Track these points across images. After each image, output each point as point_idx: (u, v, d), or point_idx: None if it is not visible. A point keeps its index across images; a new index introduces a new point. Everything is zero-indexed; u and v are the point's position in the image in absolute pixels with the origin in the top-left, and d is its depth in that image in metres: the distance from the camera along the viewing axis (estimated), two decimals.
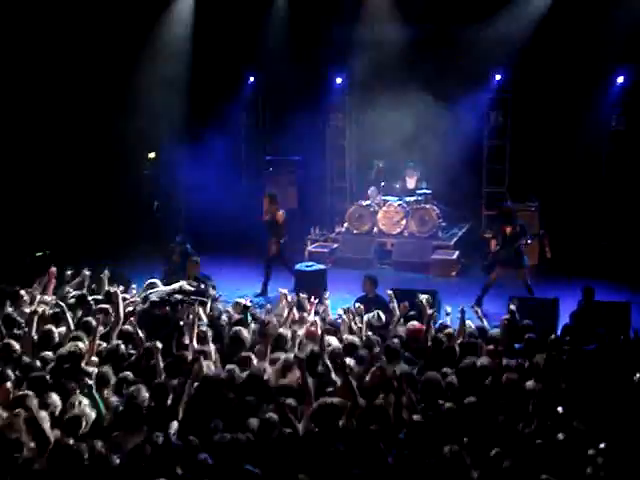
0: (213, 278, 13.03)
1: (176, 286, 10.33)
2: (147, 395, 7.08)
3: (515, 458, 6.17)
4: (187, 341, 8.58)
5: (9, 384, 7.30)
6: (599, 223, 16.77)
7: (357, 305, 10.59)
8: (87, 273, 11.23)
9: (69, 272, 11.41)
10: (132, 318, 9.11)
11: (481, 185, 18.17)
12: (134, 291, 11.14)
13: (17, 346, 8.38)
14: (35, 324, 8.78)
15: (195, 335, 8.57)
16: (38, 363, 7.93)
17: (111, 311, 9.42)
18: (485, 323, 10.10)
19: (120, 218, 16.88)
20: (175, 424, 6.80)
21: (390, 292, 10.56)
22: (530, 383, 7.63)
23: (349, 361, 7.93)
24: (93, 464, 6.02)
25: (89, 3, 15.79)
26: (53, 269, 11.10)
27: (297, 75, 17.35)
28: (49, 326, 8.85)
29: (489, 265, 13.76)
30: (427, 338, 9.05)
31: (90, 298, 10.11)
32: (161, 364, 7.86)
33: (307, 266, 14.14)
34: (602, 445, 6.32)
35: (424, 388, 7.45)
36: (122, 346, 8.44)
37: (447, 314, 9.95)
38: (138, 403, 6.95)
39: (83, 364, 7.78)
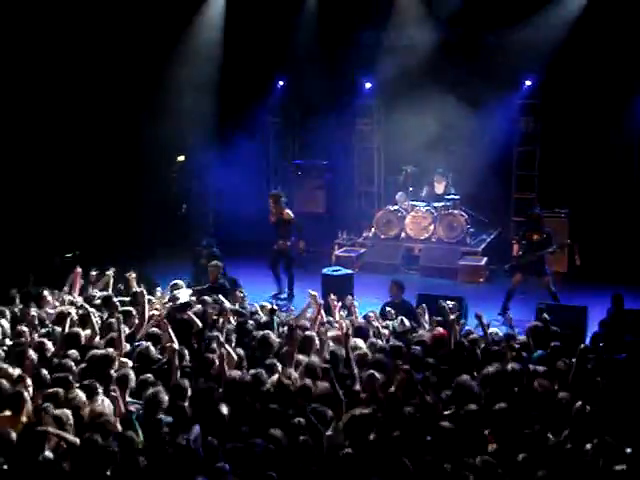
0: (241, 282, 13.06)
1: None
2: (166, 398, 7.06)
3: (546, 467, 6.10)
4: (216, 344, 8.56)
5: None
6: (630, 230, 16.54)
7: (387, 309, 10.57)
8: (110, 273, 11.31)
9: (94, 273, 11.47)
10: (164, 320, 9.05)
11: (510, 191, 18.02)
12: (159, 293, 11.17)
13: (50, 345, 8.49)
14: (64, 324, 8.88)
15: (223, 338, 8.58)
16: (69, 362, 7.98)
17: (135, 313, 9.48)
18: (514, 330, 10.02)
19: (148, 220, 16.94)
20: (197, 428, 6.71)
21: (422, 306, 10.51)
22: (563, 394, 7.53)
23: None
24: (121, 462, 6.05)
25: (121, 5, 15.88)
26: (78, 270, 11.17)
27: (326, 79, 17.36)
28: (76, 329, 8.92)
29: (510, 269, 13.66)
30: (450, 343, 8.99)
31: (116, 299, 10.16)
32: (176, 364, 7.86)
33: (334, 270, 14.08)
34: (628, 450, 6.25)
35: (455, 393, 7.40)
36: (152, 347, 8.48)
37: (477, 317, 9.76)
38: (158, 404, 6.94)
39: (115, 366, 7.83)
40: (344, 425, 6.68)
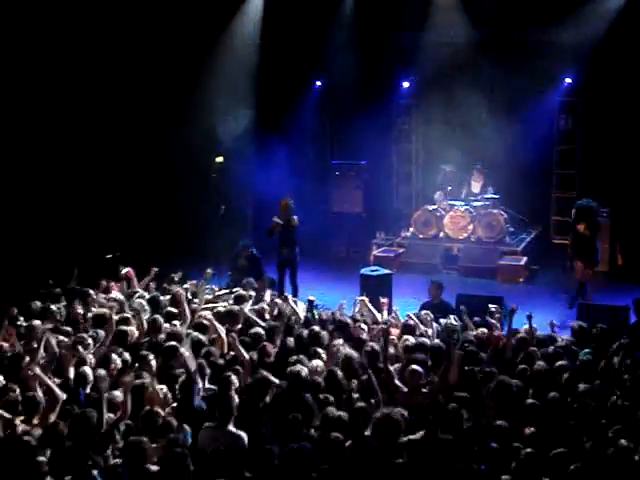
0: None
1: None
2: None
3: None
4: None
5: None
6: None
7: (424, 312, 10.59)
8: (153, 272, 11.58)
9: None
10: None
11: (550, 190, 17.87)
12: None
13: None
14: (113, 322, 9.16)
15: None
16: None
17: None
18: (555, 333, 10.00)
19: (187, 222, 17.04)
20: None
21: (463, 308, 10.54)
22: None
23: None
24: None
25: (158, 7, 16.02)
26: (130, 270, 11.40)
27: (364, 79, 17.36)
28: (127, 327, 9.15)
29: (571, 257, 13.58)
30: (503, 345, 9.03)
31: (162, 298, 10.40)
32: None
33: (372, 270, 14.08)
34: None
35: (495, 392, 7.40)
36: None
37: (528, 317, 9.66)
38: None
39: None
40: (374, 423, 6.66)
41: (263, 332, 9.10)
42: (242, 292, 10.93)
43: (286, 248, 13.98)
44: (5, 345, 8.88)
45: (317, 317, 9.98)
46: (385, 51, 17.41)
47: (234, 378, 7.49)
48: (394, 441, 6.47)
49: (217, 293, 11.50)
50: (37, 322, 9.22)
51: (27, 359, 7.97)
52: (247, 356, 8.28)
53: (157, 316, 9.47)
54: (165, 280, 11.77)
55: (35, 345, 8.42)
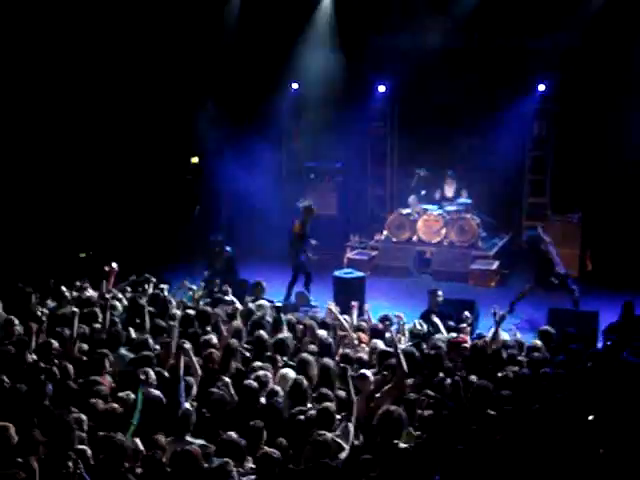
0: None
1: None
2: None
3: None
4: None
5: None
6: None
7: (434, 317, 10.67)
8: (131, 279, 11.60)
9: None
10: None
11: (523, 196, 18.05)
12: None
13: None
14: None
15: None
16: None
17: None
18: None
19: (162, 222, 17.01)
20: None
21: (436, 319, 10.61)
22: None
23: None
24: None
25: (134, 8, 16.03)
26: (115, 266, 11.34)
27: (340, 82, 17.40)
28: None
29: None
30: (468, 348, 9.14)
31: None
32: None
33: (346, 273, 14.15)
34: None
35: (474, 397, 7.48)
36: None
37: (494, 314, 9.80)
38: None
39: None
40: (377, 421, 6.70)
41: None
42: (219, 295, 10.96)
43: (309, 253, 14.35)
44: None
45: (285, 323, 9.92)
46: (362, 54, 17.46)
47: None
48: (396, 437, 6.51)
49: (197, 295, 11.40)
50: None
51: None
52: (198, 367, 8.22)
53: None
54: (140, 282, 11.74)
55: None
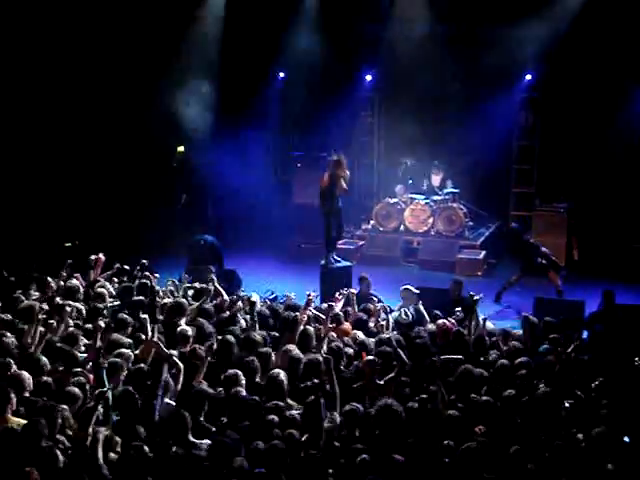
0: (240, 272, 13.11)
1: None
2: None
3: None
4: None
5: None
6: (630, 225, 16.54)
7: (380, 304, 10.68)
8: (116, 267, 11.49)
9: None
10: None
11: (509, 185, 18.06)
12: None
13: None
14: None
15: None
16: None
17: None
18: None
19: (148, 211, 16.93)
20: None
21: (419, 306, 10.61)
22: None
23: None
24: None
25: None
26: (101, 256, 11.26)
27: (327, 70, 17.36)
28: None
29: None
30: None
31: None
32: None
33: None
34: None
35: (457, 381, 7.50)
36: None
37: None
38: None
39: None
40: (343, 417, 6.73)
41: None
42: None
43: None
44: None
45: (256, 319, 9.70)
46: (349, 43, 17.40)
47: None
48: (396, 431, 6.52)
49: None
50: None
51: None
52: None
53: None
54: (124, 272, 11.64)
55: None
